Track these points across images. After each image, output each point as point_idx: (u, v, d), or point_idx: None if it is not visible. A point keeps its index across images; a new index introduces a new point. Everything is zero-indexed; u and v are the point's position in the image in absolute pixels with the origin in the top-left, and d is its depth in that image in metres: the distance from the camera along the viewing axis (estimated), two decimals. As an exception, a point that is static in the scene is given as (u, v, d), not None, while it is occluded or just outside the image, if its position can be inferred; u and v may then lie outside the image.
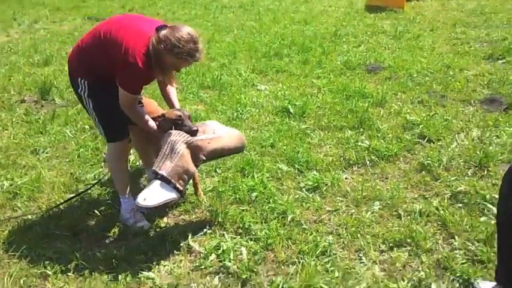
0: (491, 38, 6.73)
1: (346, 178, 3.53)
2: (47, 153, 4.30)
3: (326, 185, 3.43)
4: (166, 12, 10.88)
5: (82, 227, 3.20)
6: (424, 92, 4.98)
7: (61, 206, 3.42)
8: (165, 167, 2.77)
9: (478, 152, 3.58)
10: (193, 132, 2.91)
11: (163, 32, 2.70)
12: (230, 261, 2.74)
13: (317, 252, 2.74)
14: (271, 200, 3.28)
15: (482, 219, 2.90)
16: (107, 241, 3.07)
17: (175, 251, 2.89)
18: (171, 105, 3.22)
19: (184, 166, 2.79)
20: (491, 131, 3.93)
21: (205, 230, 3.08)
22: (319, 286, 2.49)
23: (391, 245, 2.78)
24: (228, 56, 6.88)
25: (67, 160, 4.16)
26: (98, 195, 3.58)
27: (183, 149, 2.81)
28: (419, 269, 2.58)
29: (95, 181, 3.71)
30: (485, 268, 2.53)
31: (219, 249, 2.86)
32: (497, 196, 2.98)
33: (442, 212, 2.98)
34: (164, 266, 2.77)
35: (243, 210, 3.22)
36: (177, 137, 2.86)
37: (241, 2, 11.59)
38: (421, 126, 4.12)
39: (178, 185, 2.76)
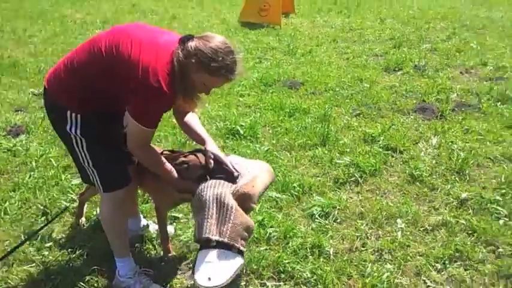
0: (375, 52, 7.34)
1: (347, 198, 3.37)
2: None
3: (334, 208, 3.22)
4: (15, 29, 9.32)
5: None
6: (355, 104, 5.13)
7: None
8: (221, 230, 2.20)
9: (452, 159, 3.78)
10: (233, 179, 2.36)
11: (192, 44, 2.13)
12: (299, 315, 2.35)
13: (384, 285, 2.52)
14: (291, 234, 2.94)
15: (501, 222, 3.03)
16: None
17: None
18: (197, 138, 2.60)
19: (243, 222, 2.26)
20: (445, 138, 4.21)
21: (238, 282, 2.59)
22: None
23: (444, 262, 2.71)
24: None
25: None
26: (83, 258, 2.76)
27: (233, 202, 2.26)
28: (486, 281, 2.56)
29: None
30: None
31: (270, 302, 2.44)
32: (498, 198, 3.20)
33: (464, 221, 3.04)
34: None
35: (265, 250, 2.81)
36: (221, 189, 2.29)
37: (104, 16, 10.59)
38: (381, 138, 4.20)
39: (241, 247, 2.22)
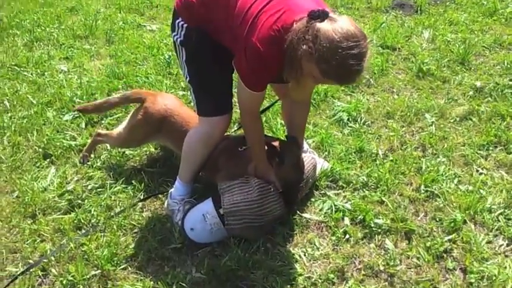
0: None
1: (365, 101, 3.26)
2: None
3: (359, 111, 3.11)
4: None
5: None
6: (331, 5, 4.86)
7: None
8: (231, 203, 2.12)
9: (452, 51, 3.76)
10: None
11: (318, 26, 1.66)
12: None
13: (444, 177, 2.51)
14: (328, 142, 2.81)
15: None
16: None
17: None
18: (292, 131, 2.35)
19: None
20: (436, 31, 4.16)
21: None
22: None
23: (488, 149, 2.73)
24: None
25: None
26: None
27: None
28: None
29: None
30: None
31: (339, 211, 2.33)
32: (510, 83, 3.25)
33: (489, 108, 3.06)
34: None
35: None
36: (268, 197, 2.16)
37: None
38: (374, 37, 4.06)
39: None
